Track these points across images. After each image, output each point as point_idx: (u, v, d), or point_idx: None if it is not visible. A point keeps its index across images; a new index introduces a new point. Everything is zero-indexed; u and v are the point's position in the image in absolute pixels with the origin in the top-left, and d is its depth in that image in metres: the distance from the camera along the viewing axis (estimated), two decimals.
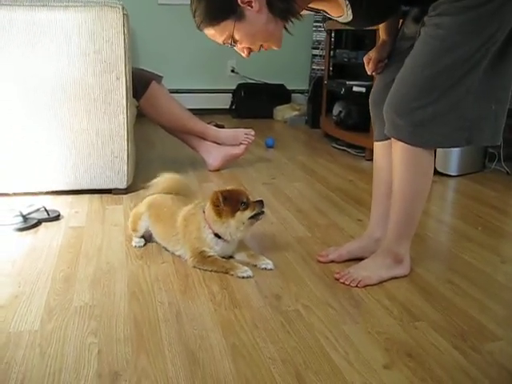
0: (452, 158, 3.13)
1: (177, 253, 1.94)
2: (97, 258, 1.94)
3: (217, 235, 1.86)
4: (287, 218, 2.38)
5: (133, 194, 2.64)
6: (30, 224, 2.19)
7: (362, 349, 1.43)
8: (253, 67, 5.00)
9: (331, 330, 1.51)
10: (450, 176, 3.12)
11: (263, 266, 1.87)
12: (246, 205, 1.83)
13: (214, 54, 4.92)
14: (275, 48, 1.68)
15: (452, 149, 3.08)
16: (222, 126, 3.66)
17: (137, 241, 2.04)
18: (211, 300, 1.66)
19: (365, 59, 1.89)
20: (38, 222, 2.22)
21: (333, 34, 4.15)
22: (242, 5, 1.54)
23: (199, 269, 1.85)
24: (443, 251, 2.11)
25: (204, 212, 1.88)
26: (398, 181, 1.72)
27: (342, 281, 1.78)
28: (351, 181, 3.01)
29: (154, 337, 1.46)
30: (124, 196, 2.60)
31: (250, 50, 1.66)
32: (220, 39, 1.63)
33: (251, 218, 1.84)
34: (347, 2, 1.57)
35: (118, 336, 1.46)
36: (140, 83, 2.88)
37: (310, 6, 1.69)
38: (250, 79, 5.07)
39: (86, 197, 2.57)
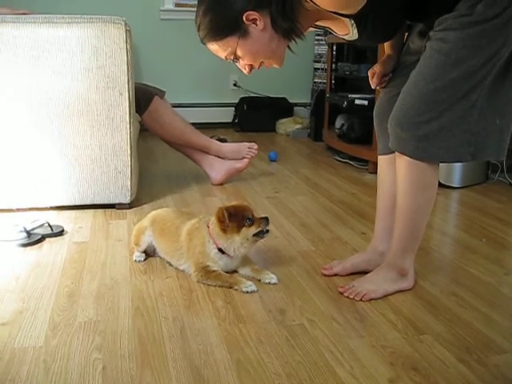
0: (455, 170, 3.13)
1: (180, 267, 1.94)
2: (101, 273, 1.94)
3: (221, 250, 1.86)
4: (291, 231, 2.38)
5: (136, 208, 2.65)
6: (33, 239, 2.19)
7: (366, 363, 1.42)
8: (255, 81, 5.02)
9: (336, 344, 1.51)
10: (454, 188, 3.12)
11: (267, 281, 1.87)
12: (252, 221, 1.83)
13: (216, 68, 4.95)
14: (276, 66, 1.69)
15: None
16: (224, 140, 3.68)
17: (137, 255, 2.04)
18: (215, 315, 1.65)
19: (369, 73, 1.90)
20: (42, 238, 2.22)
21: (334, 48, 4.17)
22: (246, 22, 1.55)
23: (203, 283, 1.85)
24: (447, 264, 2.11)
25: (208, 227, 1.88)
26: (402, 195, 1.72)
27: (346, 294, 1.78)
28: (354, 194, 3.02)
29: (159, 352, 1.45)
30: (128, 211, 2.61)
31: (251, 67, 1.67)
32: (223, 54, 1.64)
33: (255, 234, 1.84)
34: (352, 22, 1.58)
35: (123, 352, 1.45)
36: (143, 98, 2.90)
37: (315, 23, 1.70)
38: (253, 93, 5.09)
39: (90, 212, 2.57)
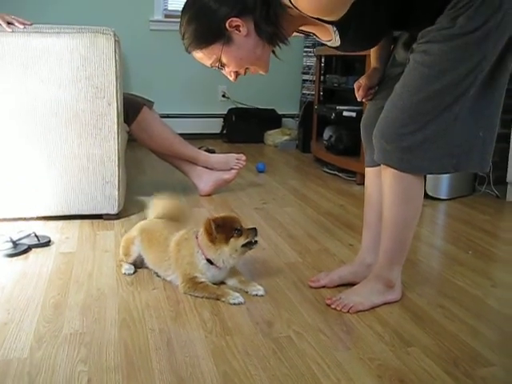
0: (442, 182, 3.15)
1: (168, 278, 1.93)
2: (87, 284, 1.93)
3: (209, 261, 1.86)
4: (278, 243, 2.38)
5: (124, 219, 2.64)
6: (19, 250, 2.17)
7: (354, 376, 1.42)
8: (244, 92, 5.03)
9: (323, 356, 1.50)
10: (441, 200, 3.14)
11: (254, 292, 1.86)
12: (240, 232, 1.83)
13: (204, 79, 4.96)
14: (262, 72, 1.70)
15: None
16: (213, 151, 3.68)
17: (127, 267, 2.02)
18: (202, 327, 1.65)
19: (355, 85, 1.91)
20: (28, 248, 2.21)
21: (323, 60, 4.19)
22: (229, 29, 1.56)
23: (190, 295, 1.84)
24: (434, 276, 2.11)
25: (197, 238, 1.88)
26: (388, 207, 1.73)
27: (333, 306, 1.77)
28: (342, 205, 3.02)
29: (145, 365, 1.44)
30: (115, 221, 2.59)
31: (237, 74, 1.68)
32: (208, 62, 1.65)
33: (244, 245, 1.84)
34: (335, 29, 1.59)
35: (109, 364, 1.44)
36: (131, 108, 2.89)
37: (299, 28, 1.71)
38: (241, 104, 5.10)
39: (77, 222, 2.56)
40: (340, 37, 1.62)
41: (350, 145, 3.68)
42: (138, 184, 3.27)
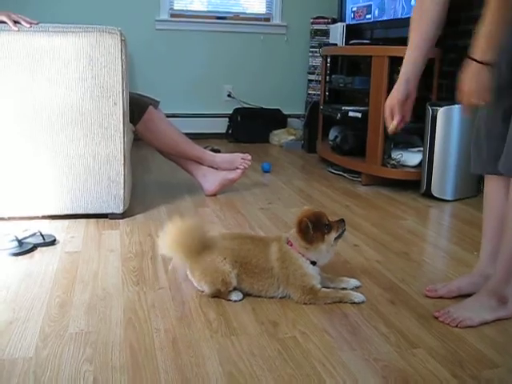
0: (448, 183, 3.14)
1: (278, 297, 1.84)
2: (93, 283, 1.93)
3: (313, 263, 1.83)
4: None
5: (129, 218, 2.64)
6: (25, 249, 2.17)
7: (359, 376, 1.41)
8: (249, 92, 5.04)
9: (328, 357, 1.50)
10: (446, 201, 3.13)
11: (351, 286, 1.91)
12: (329, 226, 1.82)
13: (210, 78, 4.98)
14: None
15: (447, 173, 3.10)
16: (218, 151, 3.68)
17: (234, 295, 1.83)
18: (208, 327, 1.65)
19: (386, 108, 1.82)
20: (34, 247, 2.21)
21: (328, 60, 4.19)
22: None
23: (307, 304, 1.80)
24: (440, 276, 2.10)
25: (291, 244, 1.83)
26: None
27: (441, 319, 1.72)
28: (347, 206, 3.02)
29: (150, 364, 1.44)
30: (120, 221, 2.60)
31: None
32: None
33: (336, 238, 1.84)
34: None
35: (114, 364, 1.44)
36: (137, 108, 2.89)
37: None
38: (247, 104, 5.10)
39: (83, 221, 2.56)
40: None
41: (355, 145, 3.68)
42: (143, 183, 3.27)
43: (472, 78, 1.56)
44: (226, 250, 1.83)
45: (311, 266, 1.82)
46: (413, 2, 3.46)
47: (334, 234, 1.82)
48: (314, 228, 1.78)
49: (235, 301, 1.81)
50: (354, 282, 1.92)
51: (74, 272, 2.02)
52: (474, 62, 1.54)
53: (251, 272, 1.82)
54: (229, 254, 1.82)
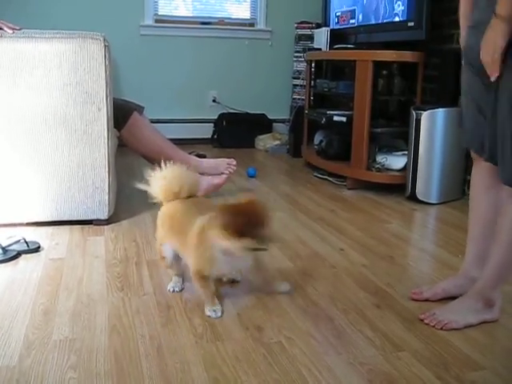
0: (432, 187, 3.16)
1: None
2: (77, 290, 1.92)
3: (226, 252, 1.71)
4: (269, 248, 2.36)
5: (114, 224, 2.63)
6: (9, 256, 2.16)
7: (344, 380, 1.42)
8: (234, 97, 5.03)
9: (314, 361, 1.50)
10: (431, 204, 3.14)
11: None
12: (253, 233, 1.63)
13: (195, 84, 4.97)
14: None
15: (432, 177, 3.12)
16: (203, 156, 3.67)
17: (172, 284, 1.92)
18: (192, 332, 1.64)
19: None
20: (18, 254, 2.19)
21: (313, 64, 4.20)
22: None
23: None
24: (424, 279, 2.11)
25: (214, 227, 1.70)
26: (510, 228, 1.67)
27: (426, 321, 1.73)
28: (333, 210, 3.02)
29: (135, 371, 1.44)
30: (105, 227, 2.58)
31: None
32: None
33: (251, 248, 1.66)
34: None
35: (98, 371, 1.43)
36: (121, 114, 2.89)
37: None
38: (232, 109, 5.10)
39: (67, 228, 2.55)
40: None
41: (340, 150, 3.69)
42: (128, 189, 3.25)
43: (497, 36, 1.52)
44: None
45: (221, 255, 1.71)
46: (396, 8, 3.49)
47: (246, 242, 1.62)
48: (233, 220, 1.62)
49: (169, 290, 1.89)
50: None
51: (59, 279, 2.00)
52: (499, 20, 1.51)
53: (176, 231, 1.87)
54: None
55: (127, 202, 2.99)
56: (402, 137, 3.38)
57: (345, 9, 4.19)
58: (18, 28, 2.39)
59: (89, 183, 2.53)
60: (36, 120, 2.42)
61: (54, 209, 2.53)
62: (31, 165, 2.46)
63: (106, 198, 2.57)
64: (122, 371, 1.43)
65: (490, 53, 1.53)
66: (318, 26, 4.64)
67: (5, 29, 2.36)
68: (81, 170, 2.51)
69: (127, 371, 1.44)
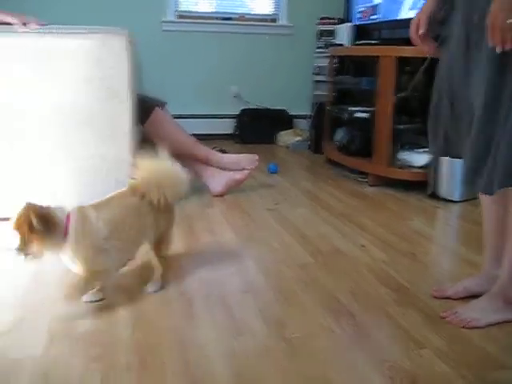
0: (456, 184, 3.13)
1: None
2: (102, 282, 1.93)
3: None
4: (291, 244, 2.38)
5: None
6: None
7: (365, 377, 1.42)
8: (256, 93, 5.04)
9: (335, 357, 1.50)
10: (454, 202, 3.12)
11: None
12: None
13: (217, 79, 4.98)
14: None
15: (455, 174, 3.09)
16: (225, 151, 3.68)
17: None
18: (215, 328, 1.65)
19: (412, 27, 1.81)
20: None
21: (335, 60, 4.18)
22: None
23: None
24: (446, 277, 2.10)
25: None
26: None
27: (448, 320, 1.72)
28: (355, 206, 3.01)
29: (157, 364, 1.45)
30: None
31: None
32: None
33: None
34: None
35: (121, 363, 1.45)
36: (144, 109, 2.90)
37: None
38: (253, 104, 5.10)
39: None
40: None
41: (362, 146, 3.67)
42: None
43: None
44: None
45: None
46: (419, 4, 3.46)
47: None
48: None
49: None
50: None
51: None
52: None
53: None
54: None
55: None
56: (425, 134, 3.35)
57: (368, 4, 4.17)
58: (43, 23, 2.41)
59: (112, 178, 2.54)
60: (60, 115, 2.44)
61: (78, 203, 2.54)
62: (54, 160, 2.48)
63: None
64: (145, 364, 1.45)
65: (504, 19, 1.40)
66: (341, 21, 4.62)
67: (31, 25, 2.38)
68: (104, 165, 2.53)
69: (150, 364, 1.45)
